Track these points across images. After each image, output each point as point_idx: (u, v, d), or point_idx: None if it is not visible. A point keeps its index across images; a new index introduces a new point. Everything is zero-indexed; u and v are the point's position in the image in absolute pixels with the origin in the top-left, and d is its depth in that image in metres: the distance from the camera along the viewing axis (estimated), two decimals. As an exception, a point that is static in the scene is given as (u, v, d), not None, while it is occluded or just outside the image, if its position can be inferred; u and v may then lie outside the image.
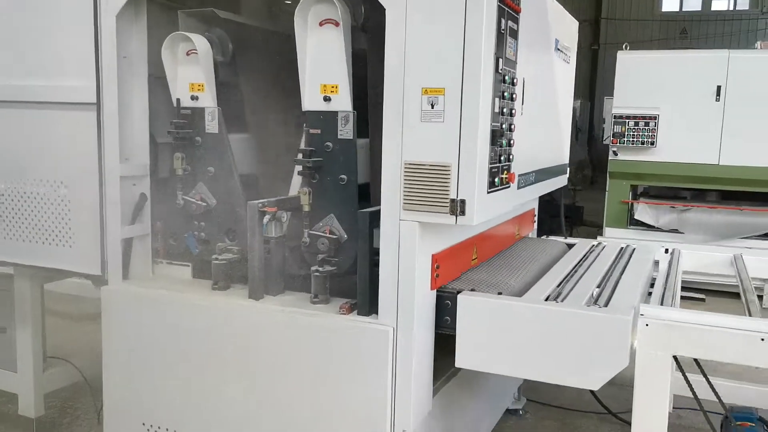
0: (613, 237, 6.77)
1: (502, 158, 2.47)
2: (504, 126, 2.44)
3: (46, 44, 2.81)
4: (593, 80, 21.35)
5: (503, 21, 2.33)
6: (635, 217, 7.09)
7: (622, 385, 4.51)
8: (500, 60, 2.34)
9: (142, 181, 2.89)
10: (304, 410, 2.53)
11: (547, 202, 4.95)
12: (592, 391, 4.04)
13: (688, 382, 2.38)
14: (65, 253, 2.89)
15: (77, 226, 2.85)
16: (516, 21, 2.47)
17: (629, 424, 3.90)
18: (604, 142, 8.30)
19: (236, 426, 2.65)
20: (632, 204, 7.12)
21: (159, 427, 2.80)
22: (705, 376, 2.47)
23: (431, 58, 2.23)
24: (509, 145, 2.52)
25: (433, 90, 2.24)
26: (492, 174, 2.39)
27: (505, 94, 2.43)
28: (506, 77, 2.41)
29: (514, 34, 2.47)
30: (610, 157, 7.09)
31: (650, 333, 2.26)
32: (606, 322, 2.26)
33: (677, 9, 22.68)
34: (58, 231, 2.90)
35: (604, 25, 22.51)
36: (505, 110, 2.44)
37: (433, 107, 2.25)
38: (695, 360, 2.50)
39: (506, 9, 2.35)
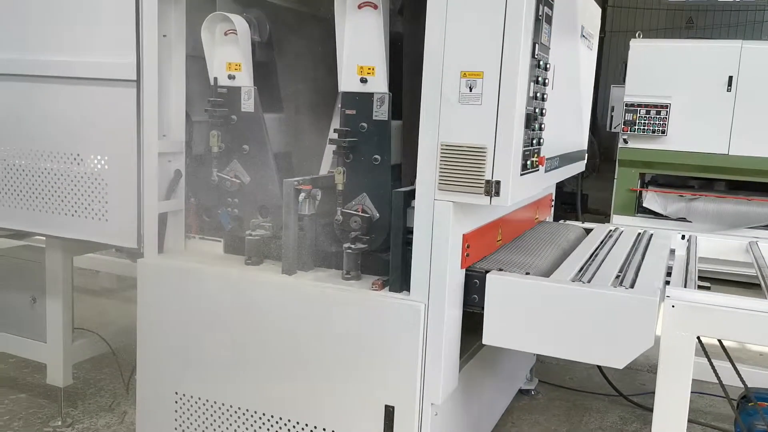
0: (621, 224, 6.84)
1: (533, 142, 2.53)
2: (537, 110, 2.50)
3: (88, 21, 2.86)
4: (598, 68, 21.29)
5: (541, 7, 2.38)
6: (644, 204, 7.16)
7: (631, 368, 4.63)
8: (536, 45, 2.39)
9: (177, 158, 2.95)
10: (334, 383, 2.61)
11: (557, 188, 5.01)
12: (602, 373, 4.15)
13: (711, 364, 2.46)
14: (101, 227, 2.95)
15: (114, 200, 2.91)
16: (551, 7, 2.53)
17: (639, 406, 4.06)
18: (614, 130, 8.34)
19: (268, 397, 2.73)
20: (641, 192, 7.18)
21: (191, 397, 2.89)
22: (729, 358, 2.55)
23: (471, 43, 2.28)
24: (540, 129, 2.58)
25: (471, 73, 2.30)
26: (525, 157, 2.45)
27: (539, 78, 2.48)
28: (541, 62, 2.47)
29: (549, 20, 2.52)
30: (620, 145, 7.15)
31: (676, 314, 2.33)
32: (634, 303, 2.34)
33: (684, -2, 22.60)
34: (94, 204, 2.96)
35: (610, 13, 22.45)
36: (538, 95, 2.49)
37: (471, 90, 2.31)
38: (720, 342, 2.58)
39: (544, -5, 2.40)
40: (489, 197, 2.34)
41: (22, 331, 3.57)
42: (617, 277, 2.73)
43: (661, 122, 6.80)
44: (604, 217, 8.61)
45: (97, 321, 4.60)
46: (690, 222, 7.00)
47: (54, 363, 3.49)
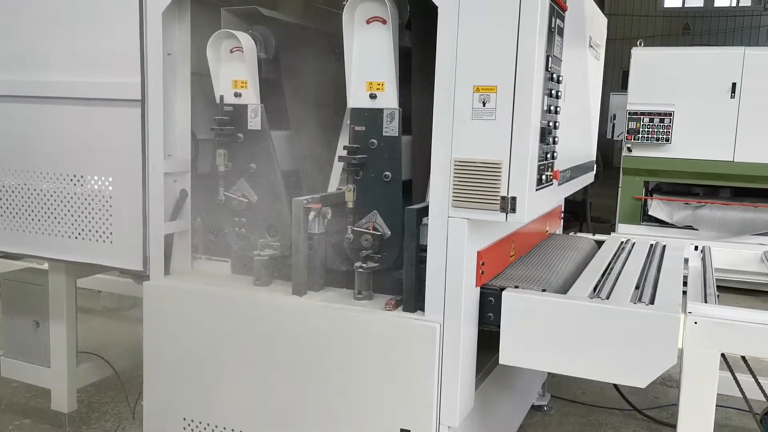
0: (627, 233, 6.79)
1: (548, 156, 2.48)
2: (550, 123, 2.46)
3: (92, 41, 2.81)
4: (596, 75, 21.31)
5: (553, 19, 2.34)
6: (649, 213, 7.13)
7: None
8: (549, 58, 2.34)
9: (183, 178, 2.90)
10: (348, 406, 2.54)
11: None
12: (616, 388, 4.08)
13: (735, 379, 2.40)
14: (107, 249, 2.89)
15: (119, 222, 2.86)
16: (563, 19, 2.48)
17: (654, 420, 3.98)
18: (616, 138, 8.32)
19: (280, 421, 2.66)
20: (646, 200, 7.14)
21: (200, 422, 2.81)
22: (752, 373, 2.48)
23: (484, 57, 2.23)
24: (554, 142, 2.53)
25: (485, 88, 2.25)
26: (540, 171, 2.40)
27: (552, 91, 2.43)
28: (554, 75, 2.42)
29: (561, 32, 2.48)
30: (623, 154, 7.12)
31: (699, 331, 2.28)
32: (656, 320, 2.28)
33: (680, 5, 22.72)
34: (99, 227, 2.90)
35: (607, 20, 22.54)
36: (551, 108, 2.45)
37: (484, 105, 2.26)
38: (743, 358, 2.52)
39: (556, 7, 2.36)
40: (505, 214, 2.28)
41: (26, 355, 3.50)
42: (635, 291, 2.67)
43: (665, 130, 6.77)
44: (608, 225, 8.57)
45: (101, 343, 4.52)
46: (696, 230, 6.95)
47: (58, 388, 3.43)
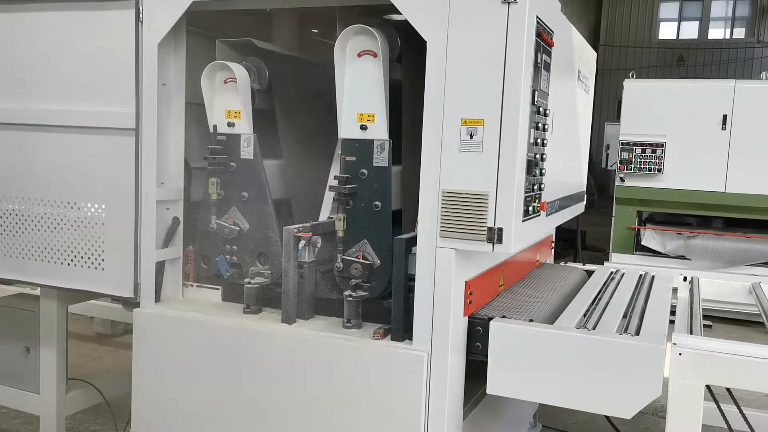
0: (620, 263, 6.82)
1: (535, 187, 2.52)
2: (537, 156, 2.50)
3: (87, 71, 2.86)
4: (592, 105, 21.52)
5: (539, 55, 2.40)
6: (642, 243, 7.15)
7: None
8: (536, 92, 2.40)
9: (175, 205, 2.93)
10: (336, 435, 2.54)
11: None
12: (608, 418, 4.06)
13: (721, 411, 2.41)
14: (97, 276, 2.91)
15: (111, 249, 2.87)
16: (549, 55, 2.54)
17: (645, 450, 3.96)
18: (610, 168, 8.39)
19: (267, 450, 2.66)
20: (639, 230, 7.18)
21: (188, 451, 2.80)
22: (737, 405, 2.49)
23: (471, 91, 2.28)
24: (541, 174, 2.57)
25: (472, 121, 2.30)
26: (526, 202, 2.44)
27: (539, 124, 2.48)
28: (540, 108, 2.47)
29: (548, 67, 2.54)
30: (616, 183, 7.17)
31: (684, 362, 2.29)
32: (641, 351, 2.29)
33: (674, 37, 23.01)
34: (91, 254, 2.92)
35: (602, 51, 22.80)
36: (538, 140, 2.49)
37: (471, 137, 2.30)
38: (728, 390, 2.53)
39: (542, 44, 2.42)
40: (491, 244, 2.31)
41: (15, 382, 3.49)
42: (623, 321, 2.69)
43: (657, 160, 6.84)
44: (602, 254, 8.59)
45: (92, 369, 4.53)
46: (689, 260, 6.98)
47: (47, 415, 3.41)
